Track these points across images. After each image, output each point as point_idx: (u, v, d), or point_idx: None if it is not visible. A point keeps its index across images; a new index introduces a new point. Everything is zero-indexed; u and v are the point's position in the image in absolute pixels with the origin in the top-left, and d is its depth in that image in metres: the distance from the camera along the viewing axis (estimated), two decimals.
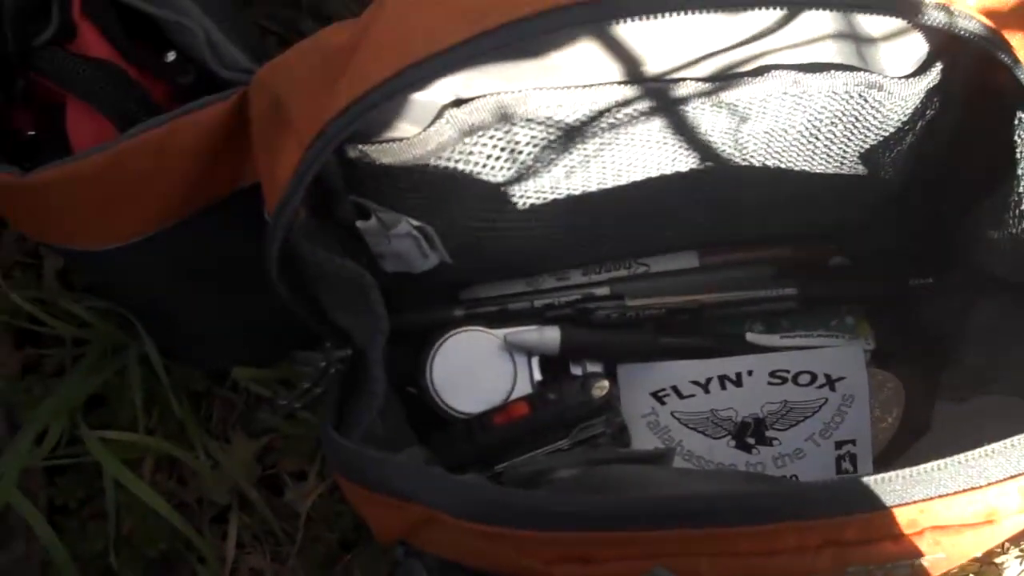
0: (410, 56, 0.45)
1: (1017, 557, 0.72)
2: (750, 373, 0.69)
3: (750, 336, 0.70)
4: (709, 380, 0.69)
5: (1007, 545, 0.72)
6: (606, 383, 0.64)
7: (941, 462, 0.45)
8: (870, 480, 0.45)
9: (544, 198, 0.59)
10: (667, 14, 0.45)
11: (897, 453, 0.67)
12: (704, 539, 0.45)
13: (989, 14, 0.50)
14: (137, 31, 0.55)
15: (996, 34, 0.49)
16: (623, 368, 0.69)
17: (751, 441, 0.69)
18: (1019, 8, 0.51)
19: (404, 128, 0.52)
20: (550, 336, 0.67)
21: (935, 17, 0.46)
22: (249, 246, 0.52)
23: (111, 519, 0.73)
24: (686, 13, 0.45)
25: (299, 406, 0.62)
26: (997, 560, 0.72)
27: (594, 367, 0.69)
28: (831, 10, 0.47)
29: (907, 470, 0.44)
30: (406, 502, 0.48)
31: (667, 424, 0.69)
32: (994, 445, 0.45)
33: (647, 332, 0.70)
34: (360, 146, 0.53)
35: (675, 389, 0.69)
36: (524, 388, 0.66)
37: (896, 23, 0.50)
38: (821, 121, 0.56)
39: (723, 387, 0.69)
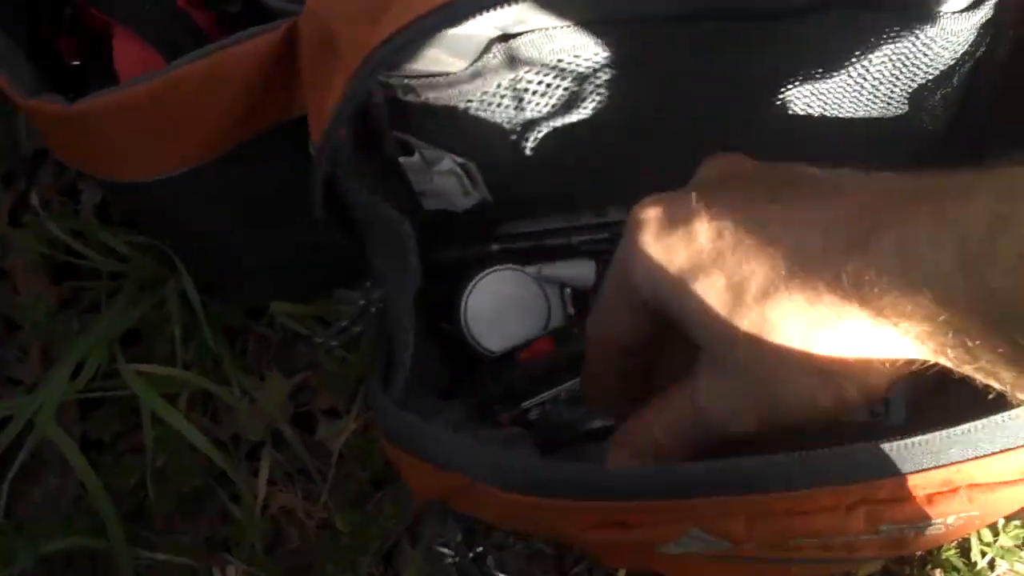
0: None
1: None
2: None
3: None
4: None
5: None
6: None
7: (978, 423, 0.43)
8: (905, 444, 0.44)
9: (589, 133, 0.59)
10: None
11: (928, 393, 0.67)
12: (740, 503, 0.45)
13: None
14: None
15: None
16: None
17: None
18: None
19: (450, 62, 0.52)
20: (585, 268, 0.67)
21: None
22: (294, 179, 0.53)
23: (148, 452, 0.74)
24: None
25: (336, 344, 0.62)
26: None
27: None
28: None
29: (943, 432, 0.43)
30: (445, 470, 0.48)
31: None
32: None
33: None
34: (407, 80, 0.53)
35: None
36: (558, 318, 0.67)
37: None
38: (871, 61, 0.55)
39: None
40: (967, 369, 0.36)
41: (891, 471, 0.44)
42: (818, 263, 0.38)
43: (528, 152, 0.60)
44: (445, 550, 0.53)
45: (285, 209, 0.58)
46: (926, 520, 0.47)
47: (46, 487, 0.76)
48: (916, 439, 0.44)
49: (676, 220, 0.42)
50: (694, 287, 0.41)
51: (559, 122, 0.57)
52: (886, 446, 0.44)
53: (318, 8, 0.51)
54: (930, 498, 0.46)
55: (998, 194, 0.34)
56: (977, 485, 0.46)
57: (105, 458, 0.76)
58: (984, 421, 0.44)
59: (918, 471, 0.44)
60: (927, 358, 0.38)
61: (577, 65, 0.54)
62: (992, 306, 0.33)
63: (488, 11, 0.47)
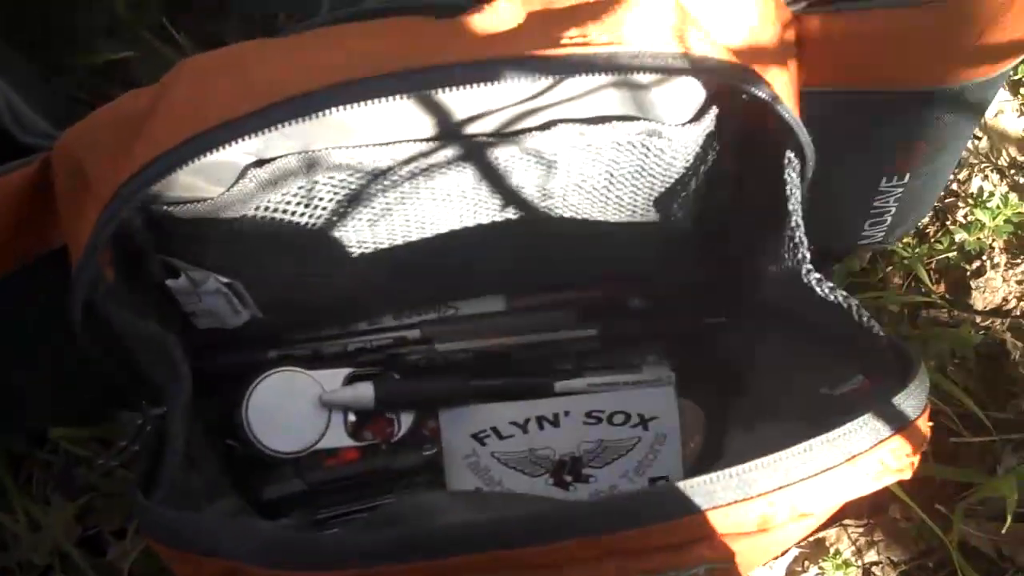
0: (202, 123, 0.47)
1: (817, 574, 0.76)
2: (567, 414, 0.72)
3: (558, 386, 0.73)
4: (527, 421, 0.72)
5: (806, 563, 0.76)
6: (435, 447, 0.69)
7: (713, 475, 0.47)
8: (646, 494, 0.46)
9: (351, 250, 0.61)
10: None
11: None
12: (488, 562, 0.46)
13: (740, 53, 0.53)
14: None
15: (747, 71, 0.52)
16: (445, 411, 0.72)
17: (568, 479, 0.72)
18: (775, 48, 0.55)
19: (208, 189, 0.54)
20: (364, 392, 0.69)
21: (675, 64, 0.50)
22: (61, 307, 0.53)
23: None
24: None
25: (116, 464, 0.62)
26: None
27: (407, 415, 0.71)
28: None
29: (681, 483, 0.46)
30: (204, 557, 0.48)
31: (488, 464, 0.72)
32: (761, 459, 0.47)
33: (458, 377, 0.72)
34: (166, 207, 0.54)
35: (495, 430, 0.72)
36: (339, 427, 0.69)
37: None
38: (612, 173, 0.59)
39: (541, 427, 0.72)
40: None
41: (636, 522, 0.46)
42: None
43: (293, 269, 0.61)
44: None
45: (54, 336, 0.58)
46: (676, 570, 0.49)
47: None
48: (655, 489, 0.46)
49: None
50: None
51: (319, 240, 0.59)
52: (630, 497, 0.46)
53: (69, 142, 0.52)
54: (676, 549, 0.47)
55: None
56: (718, 535, 0.48)
57: None
58: (718, 474, 0.47)
59: (659, 522, 0.46)
60: None
61: (334, 187, 0.56)
62: None
63: (236, 142, 0.49)
